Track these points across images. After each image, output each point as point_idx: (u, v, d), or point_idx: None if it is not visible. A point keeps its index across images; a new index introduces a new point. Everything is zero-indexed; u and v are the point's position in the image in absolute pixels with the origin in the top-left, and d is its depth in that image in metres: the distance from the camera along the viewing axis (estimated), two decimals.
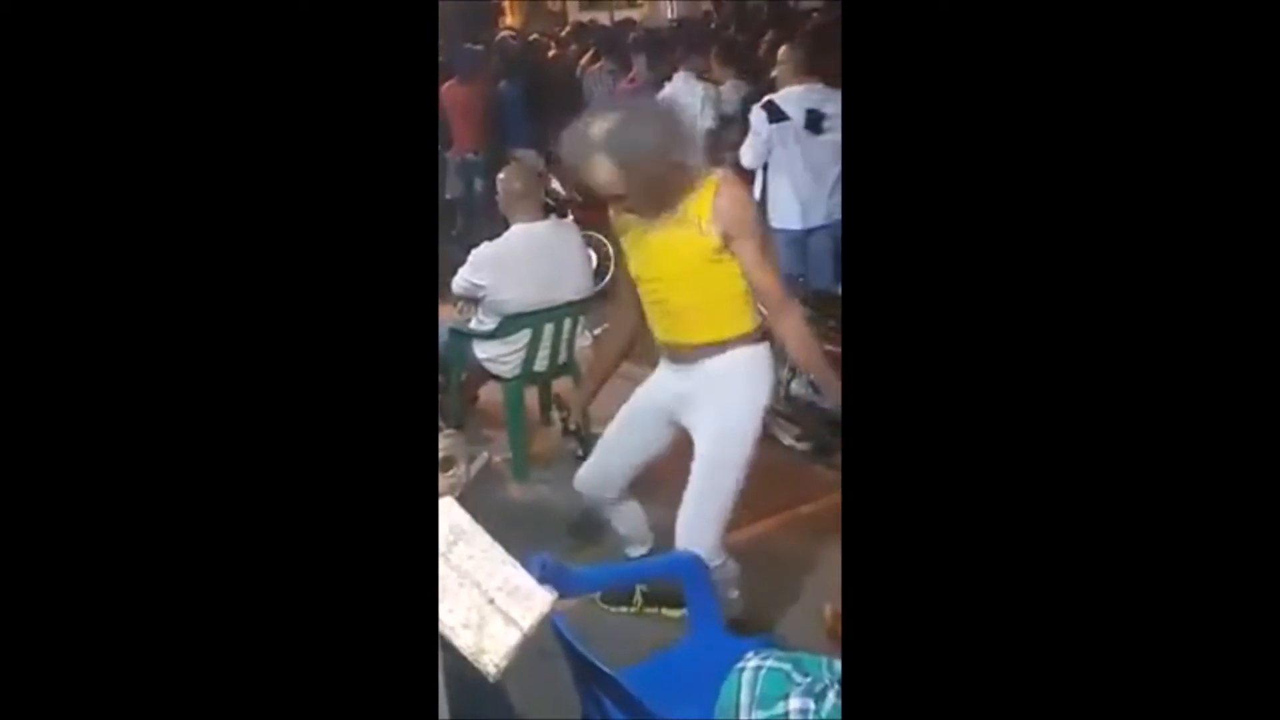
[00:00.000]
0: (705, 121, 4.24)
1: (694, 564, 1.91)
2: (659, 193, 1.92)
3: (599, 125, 1.90)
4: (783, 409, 3.23)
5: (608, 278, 5.06)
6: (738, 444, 2.02)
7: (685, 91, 4.35)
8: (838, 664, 0.91)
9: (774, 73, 3.84)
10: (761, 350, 2.05)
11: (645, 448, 2.18)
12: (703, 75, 4.41)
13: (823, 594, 2.55)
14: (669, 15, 8.95)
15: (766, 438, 3.32)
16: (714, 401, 2.03)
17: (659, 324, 2.08)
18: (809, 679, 0.91)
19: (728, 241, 1.92)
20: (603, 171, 1.91)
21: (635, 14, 8.89)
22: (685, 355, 2.05)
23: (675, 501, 2.90)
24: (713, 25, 6.97)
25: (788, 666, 0.94)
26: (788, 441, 3.31)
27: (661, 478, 3.27)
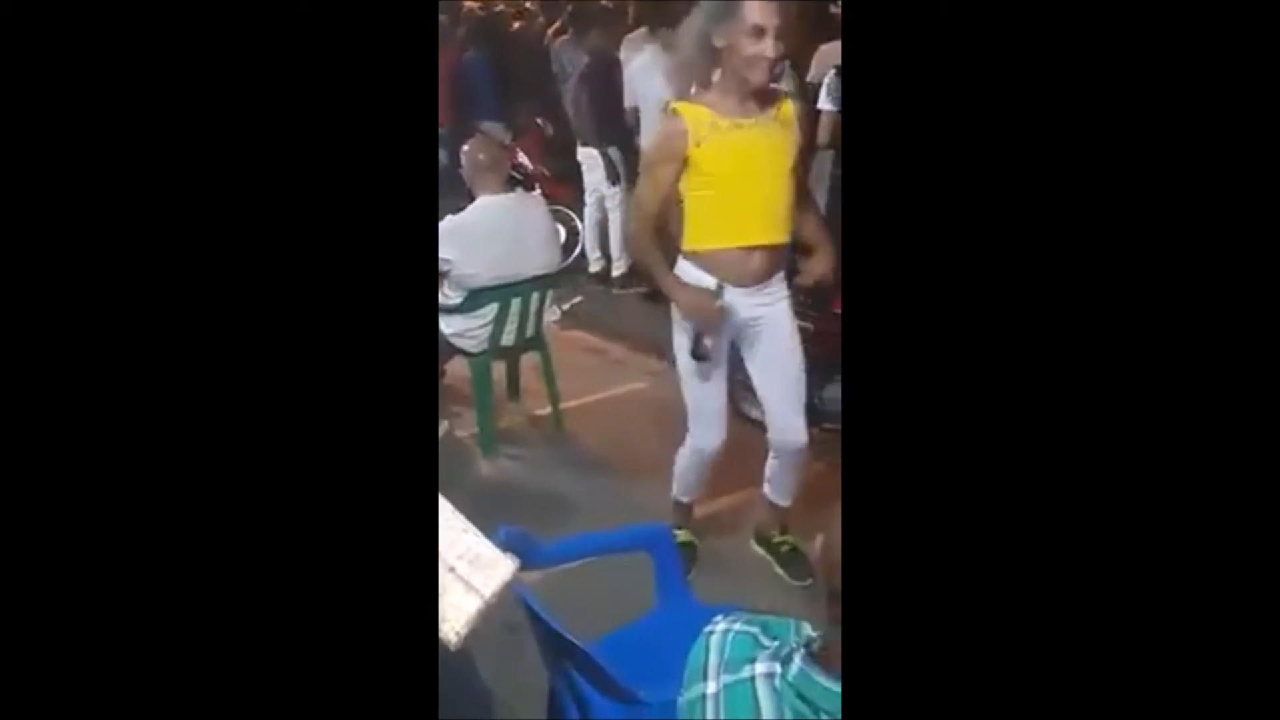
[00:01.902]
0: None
1: (661, 535, 1.91)
2: (753, 73, 2.03)
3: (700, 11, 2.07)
4: (750, 382, 3.23)
5: (576, 252, 5.03)
6: (795, 338, 2.30)
7: (653, 63, 4.30)
8: (806, 627, 0.91)
9: None
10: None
11: (725, 370, 2.35)
12: (671, 48, 4.36)
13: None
14: None
15: (735, 415, 3.34)
16: (779, 310, 2.26)
17: (716, 225, 2.17)
18: (776, 643, 0.90)
19: (810, 147, 2.18)
20: (705, 41, 2.05)
21: None
22: (747, 266, 2.17)
23: (646, 475, 2.90)
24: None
25: (755, 629, 0.94)
26: (755, 414, 3.32)
27: (635, 455, 3.28)
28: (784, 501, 2.52)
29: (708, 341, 2.16)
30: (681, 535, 2.60)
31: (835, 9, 3.72)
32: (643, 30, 4.63)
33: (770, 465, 2.49)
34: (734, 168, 2.10)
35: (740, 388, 3.31)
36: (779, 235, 2.18)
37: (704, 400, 2.35)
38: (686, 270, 2.23)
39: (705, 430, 2.38)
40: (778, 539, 2.60)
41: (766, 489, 2.54)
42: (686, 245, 2.22)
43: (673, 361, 2.38)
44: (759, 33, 1.98)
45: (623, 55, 4.66)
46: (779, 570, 2.55)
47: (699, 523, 2.68)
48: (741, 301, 2.21)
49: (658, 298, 4.51)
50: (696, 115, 2.08)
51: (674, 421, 3.42)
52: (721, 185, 2.11)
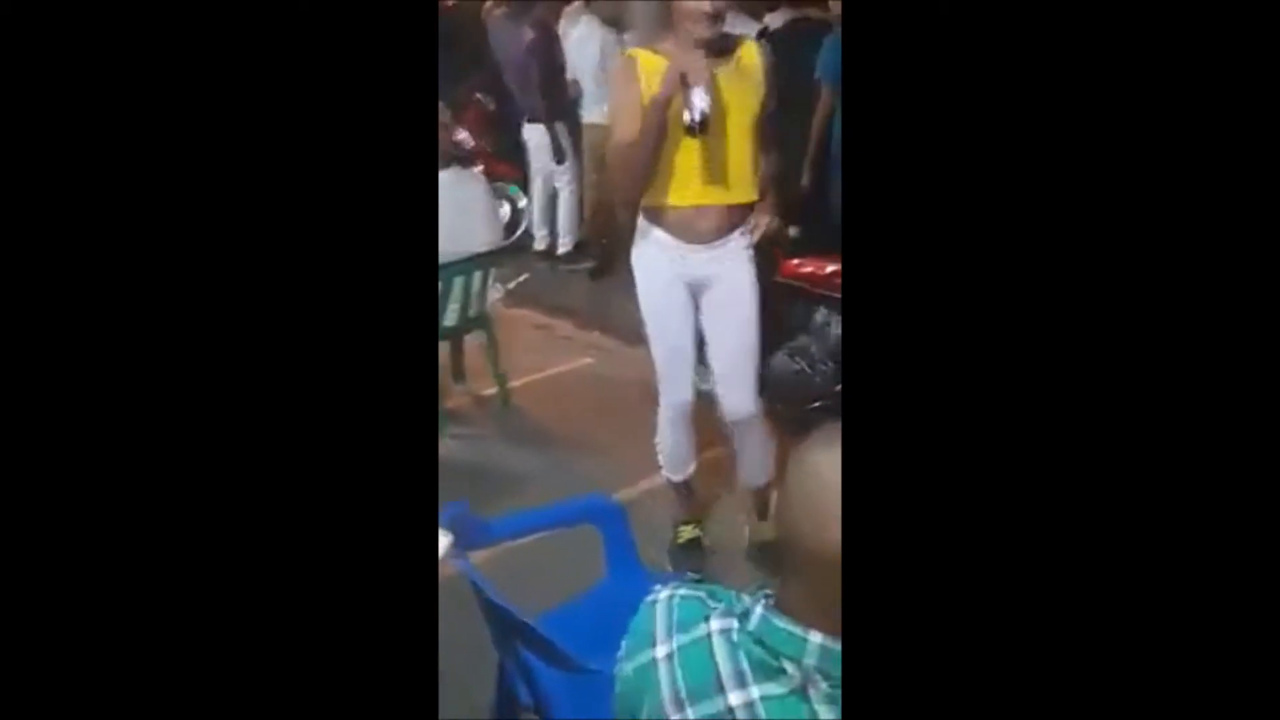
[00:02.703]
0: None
1: (607, 506, 1.90)
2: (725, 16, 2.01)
3: None
4: (699, 355, 3.23)
5: (520, 230, 4.98)
6: (752, 304, 2.25)
7: (588, 37, 4.25)
8: (746, 598, 0.90)
9: None
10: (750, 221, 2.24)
11: (691, 329, 2.30)
12: (607, 20, 4.32)
13: (738, 532, 2.59)
14: None
15: None
16: (735, 271, 2.21)
17: (680, 180, 2.12)
18: (723, 605, 0.90)
19: (770, 95, 2.12)
20: None
21: None
22: (703, 226, 2.15)
23: (595, 451, 2.88)
24: None
25: (701, 593, 0.93)
26: (704, 386, 3.33)
27: (583, 430, 3.26)
28: (755, 480, 2.44)
29: (701, 103, 1.95)
30: (686, 532, 2.54)
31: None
32: (579, 3, 4.56)
33: (735, 445, 2.43)
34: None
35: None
36: (741, 194, 2.15)
37: (671, 354, 2.30)
38: (645, 228, 2.22)
39: (674, 385, 2.33)
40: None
41: (740, 472, 2.48)
42: (651, 200, 2.17)
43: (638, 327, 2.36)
44: None
45: (560, 29, 4.60)
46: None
47: (638, 503, 2.62)
48: (695, 258, 2.18)
49: (603, 273, 4.53)
50: (652, 64, 2.04)
51: (622, 396, 3.45)
52: (682, 140, 2.05)
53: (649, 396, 2.49)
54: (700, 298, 2.27)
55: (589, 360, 3.82)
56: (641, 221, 2.24)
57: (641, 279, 2.27)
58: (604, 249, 4.54)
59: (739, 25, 3.22)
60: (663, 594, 0.95)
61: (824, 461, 0.81)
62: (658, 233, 2.20)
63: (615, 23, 4.34)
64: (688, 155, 2.08)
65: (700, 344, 2.34)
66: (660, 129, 2.02)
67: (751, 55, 2.12)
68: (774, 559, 2.37)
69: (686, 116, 1.94)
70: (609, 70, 4.13)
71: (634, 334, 3.68)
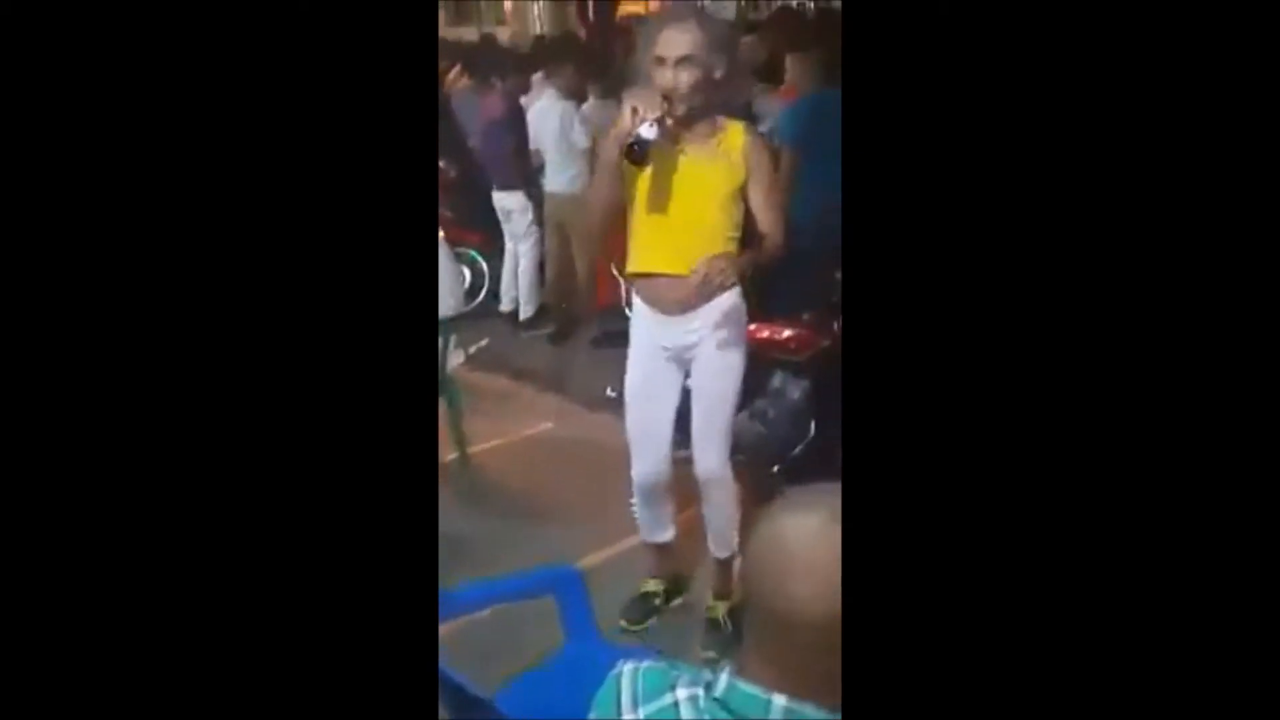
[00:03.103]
0: (577, 138, 4.25)
1: (566, 577, 1.89)
2: (709, 104, 2.09)
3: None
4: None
5: (481, 296, 5.00)
6: (734, 378, 2.26)
7: (549, 108, 4.35)
8: (708, 671, 0.91)
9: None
10: (738, 295, 2.25)
11: (672, 399, 2.32)
12: (566, 93, 4.42)
13: (702, 601, 2.57)
14: (535, 32, 8.95)
15: None
16: (711, 341, 2.22)
17: (650, 250, 2.18)
18: (687, 675, 0.90)
19: (750, 177, 2.13)
20: (688, 38, 2.02)
21: (501, 32, 8.84)
22: (676, 295, 2.16)
23: (555, 517, 2.86)
24: (579, 44, 7.00)
25: (664, 665, 0.93)
26: (683, 454, 3.34)
27: (544, 497, 3.24)
28: (720, 552, 2.41)
29: (647, 133, 1.97)
30: (648, 584, 2.53)
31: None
32: (540, 74, 4.68)
33: (704, 508, 2.39)
34: (669, 192, 2.13)
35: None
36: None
37: (644, 423, 2.31)
38: (635, 297, 2.29)
39: (643, 456, 2.33)
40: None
41: (709, 540, 2.43)
42: (629, 268, 2.25)
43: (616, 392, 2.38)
44: (661, 62, 2.03)
45: (523, 99, 4.70)
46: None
47: (599, 571, 2.58)
48: (675, 328, 2.23)
49: (564, 338, 4.55)
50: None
51: (583, 461, 3.43)
52: (657, 209, 2.13)
53: (610, 462, 2.49)
54: (689, 366, 2.29)
55: (549, 425, 3.81)
56: (634, 290, 2.30)
57: (631, 347, 2.32)
58: (565, 314, 4.57)
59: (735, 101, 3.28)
60: (627, 666, 0.95)
61: (788, 528, 0.82)
62: (638, 301, 2.27)
63: (574, 94, 4.44)
64: (654, 222, 2.14)
65: (687, 412, 2.34)
66: (612, 169, 2.09)
67: (736, 136, 2.15)
68: (722, 641, 2.36)
69: (628, 140, 1.97)
70: (569, 140, 4.22)
71: (595, 399, 3.71)
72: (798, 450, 2.84)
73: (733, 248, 2.15)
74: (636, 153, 1.98)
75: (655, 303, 2.22)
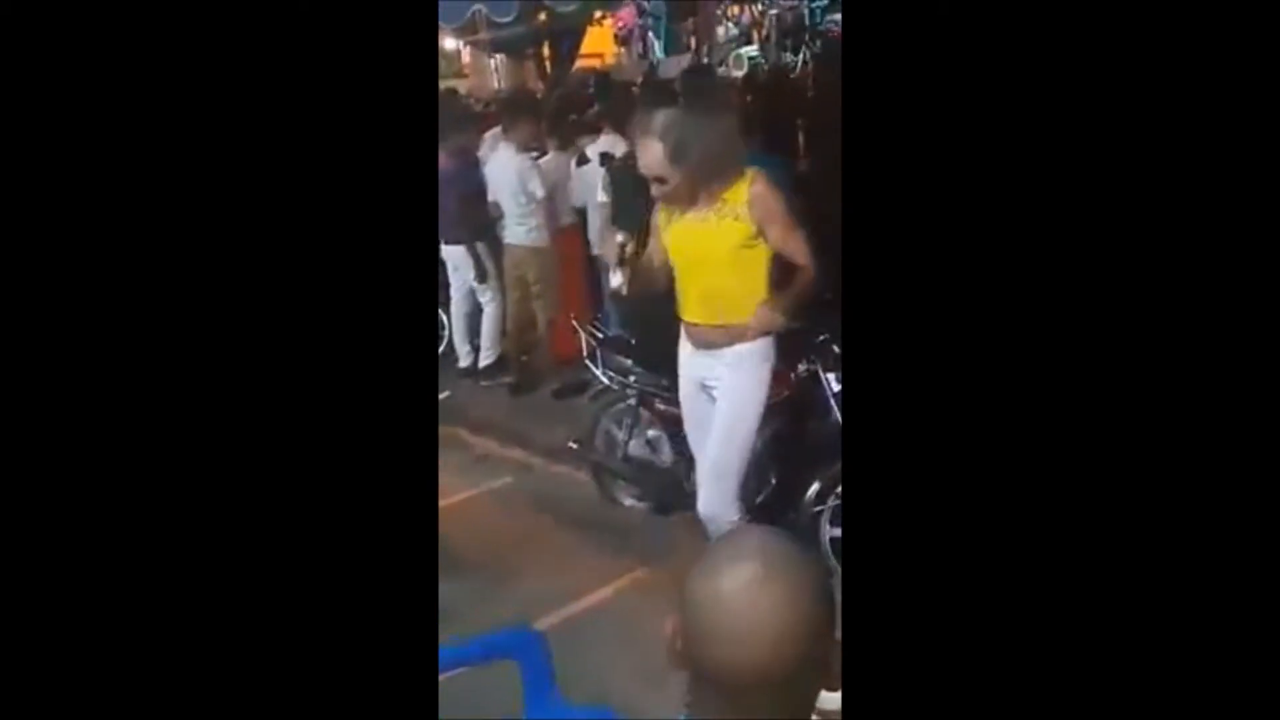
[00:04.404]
0: (534, 189, 4.27)
1: (528, 639, 1.85)
2: (702, 182, 2.25)
3: (660, 117, 2.24)
4: (621, 470, 3.23)
5: (440, 349, 4.96)
6: (753, 418, 2.39)
7: (507, 161, 4.37)
8: None
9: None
10: (768, 340, 2.39)
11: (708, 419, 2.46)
12: (525, 146, 4.45)
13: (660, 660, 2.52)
14: (495, 86, 9.06)
15: (607, 499, 3.32)
16: (734, 380, 2.38)
17: (686, 305, 2.42)
18: None
19: (761, 227, 2.26)
20: (653, 156, 2.20)
21: (461, 85, 8.93)
22: (709, 337, 2.39)
23: (516, 575, 2.81)
24: (538, 97, 7.08)
25: None
26: (628, 502, 3.31)
27: (505, 553, 3.18)
28: None
29: (612, 147, 2.14)
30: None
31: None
32: (498, 129, 4.71)
33: None
34: (679, 253, 2.37)
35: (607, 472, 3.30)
36: (731, 316, 2.35)
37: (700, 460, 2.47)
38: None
39: (709, 499, 2.43)
40: None
41: None
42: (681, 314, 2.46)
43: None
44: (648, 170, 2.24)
45: (480, 153, 4.72)
46: None
47: (560, 630, 2.56)
48: (704, 360, 2.41)
49: (523, 389, 4.52)
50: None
51: (544, 515, 3.38)
52: (677, 267, 2.39)
53: (569, 516, 2.45)
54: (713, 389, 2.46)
55: (509, 479, 3.76)
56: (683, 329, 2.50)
57: (680, 381, 2.54)
58: (523, 365, 4.56)
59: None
60: None
61: (724, 582, 0.78)
62: (683, 338, 2.48)
63: (530, 147, 4.48)
64: (684, 279, 2.39)
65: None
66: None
67: (739, 194, 2.27)
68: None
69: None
70: (528, 192, 4.25)
71: (555, 450, 3.67)
72: (761, 498, 2.83)
73: (760, 288, 2.32)
74: (601, 159, 2.14)
75: (694, 339, 2.45)
